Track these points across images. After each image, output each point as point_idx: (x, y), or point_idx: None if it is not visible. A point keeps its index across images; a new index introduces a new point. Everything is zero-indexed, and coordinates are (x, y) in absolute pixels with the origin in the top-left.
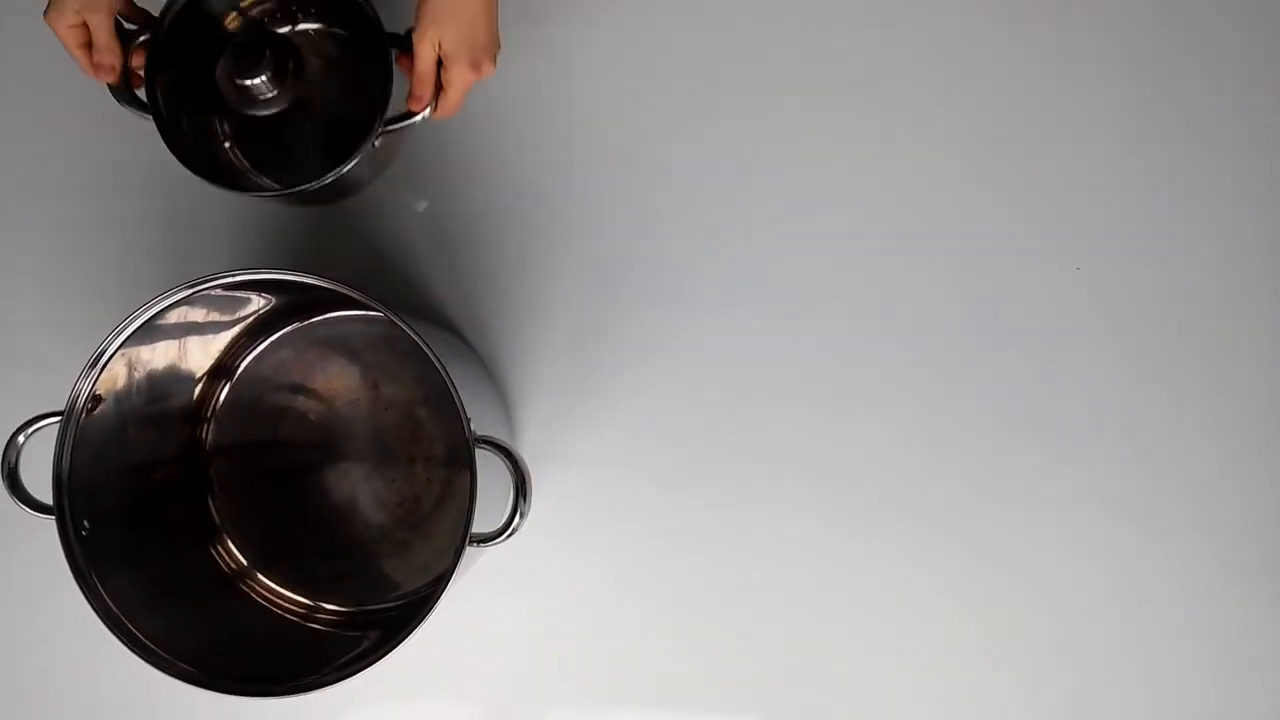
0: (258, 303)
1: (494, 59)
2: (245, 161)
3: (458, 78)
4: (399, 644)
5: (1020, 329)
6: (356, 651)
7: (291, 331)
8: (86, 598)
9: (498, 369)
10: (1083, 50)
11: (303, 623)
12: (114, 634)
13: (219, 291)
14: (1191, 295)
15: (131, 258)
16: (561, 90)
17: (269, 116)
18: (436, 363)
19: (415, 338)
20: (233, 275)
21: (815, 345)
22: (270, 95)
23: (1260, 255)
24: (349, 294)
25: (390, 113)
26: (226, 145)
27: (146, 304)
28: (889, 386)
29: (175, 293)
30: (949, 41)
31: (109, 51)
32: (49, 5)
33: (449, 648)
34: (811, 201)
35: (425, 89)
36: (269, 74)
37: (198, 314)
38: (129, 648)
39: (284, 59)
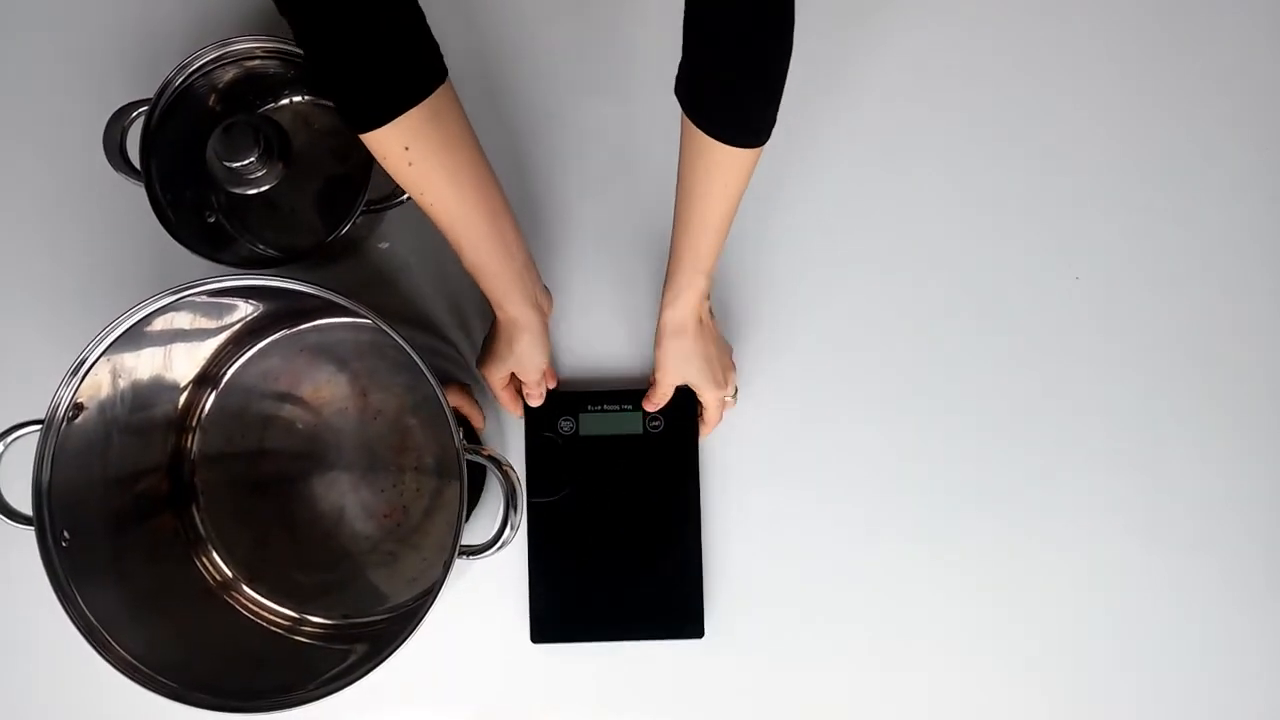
0: (244, 309)
1: (732, 368)
2: (233, 227)
3: (712, 403)
4: (387, 658)
5: (1019, 340)
6: (344, 665)
7: (279, 339)
8: (66, 611)
9: None
10: (1081, 61)
11: (288, 636)
12: (94, 648)
13: (205, 297)
14: (1193, 305)
15: (116, 262)
16: (557, 94)
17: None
18: (426, 371)
19: (404, 345)
20: (219, 281)
21: (810, 361)
22: (259, 174)
23: (1261, 264)
24: (337, 301)
25: (371, 194)
26: (213, 220)
27: (131, 309)
28: (889, 400)
29: (160, 298)
30: (949, 55)
31: (538, 393)
32: (487, 363)
33: (438, 661)
34: (805, 212)
35: (661, 404)
36: (256, 156)
37: (183, 320)
38: (109, 663)
39: (271, 140)
